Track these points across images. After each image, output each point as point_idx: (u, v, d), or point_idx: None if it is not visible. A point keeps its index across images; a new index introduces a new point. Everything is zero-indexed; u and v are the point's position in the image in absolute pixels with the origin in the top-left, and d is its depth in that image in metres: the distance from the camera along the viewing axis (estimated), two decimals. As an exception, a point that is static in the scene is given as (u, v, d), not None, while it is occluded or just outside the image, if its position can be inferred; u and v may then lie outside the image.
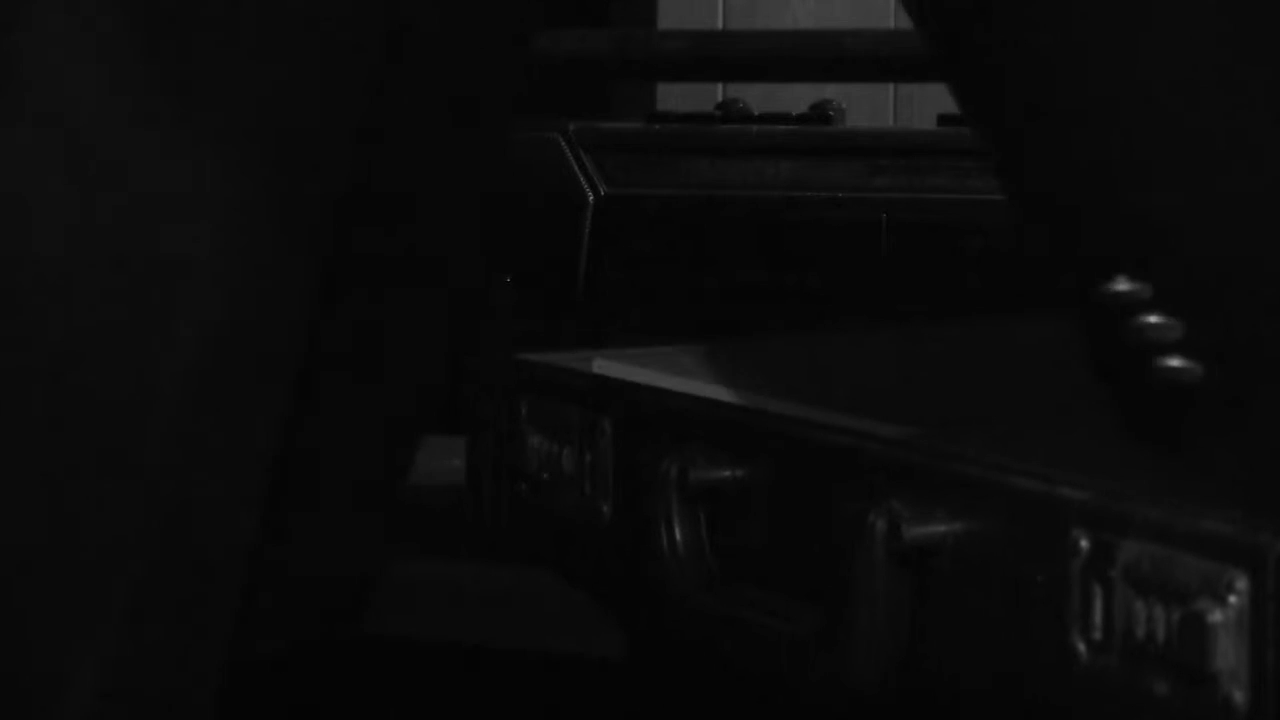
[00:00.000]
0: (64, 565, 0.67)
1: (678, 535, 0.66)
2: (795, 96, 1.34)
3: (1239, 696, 0.48)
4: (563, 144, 1.18)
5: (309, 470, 0.76)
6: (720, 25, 1.65)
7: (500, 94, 0.81)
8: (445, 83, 0.76)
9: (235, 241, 0.67)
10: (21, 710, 0.66)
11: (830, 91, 1.37)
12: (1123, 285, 0.58)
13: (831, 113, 1.20)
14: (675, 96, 1.54)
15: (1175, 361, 0.59)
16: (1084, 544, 0.52)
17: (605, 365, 0.80)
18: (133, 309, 0.67)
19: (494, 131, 0.83)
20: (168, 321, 0.67)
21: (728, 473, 0.66)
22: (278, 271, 0.69)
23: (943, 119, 1.19)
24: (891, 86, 1.58)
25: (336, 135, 0.70)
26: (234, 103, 0.67)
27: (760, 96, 1.39)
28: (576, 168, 1.17)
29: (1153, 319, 0.58)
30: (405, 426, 0.81)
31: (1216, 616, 0.48)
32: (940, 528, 0.56)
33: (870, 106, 1.56)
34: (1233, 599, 0.48)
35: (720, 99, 1.41)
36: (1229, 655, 0.48)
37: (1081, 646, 0.52)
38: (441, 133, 0.77)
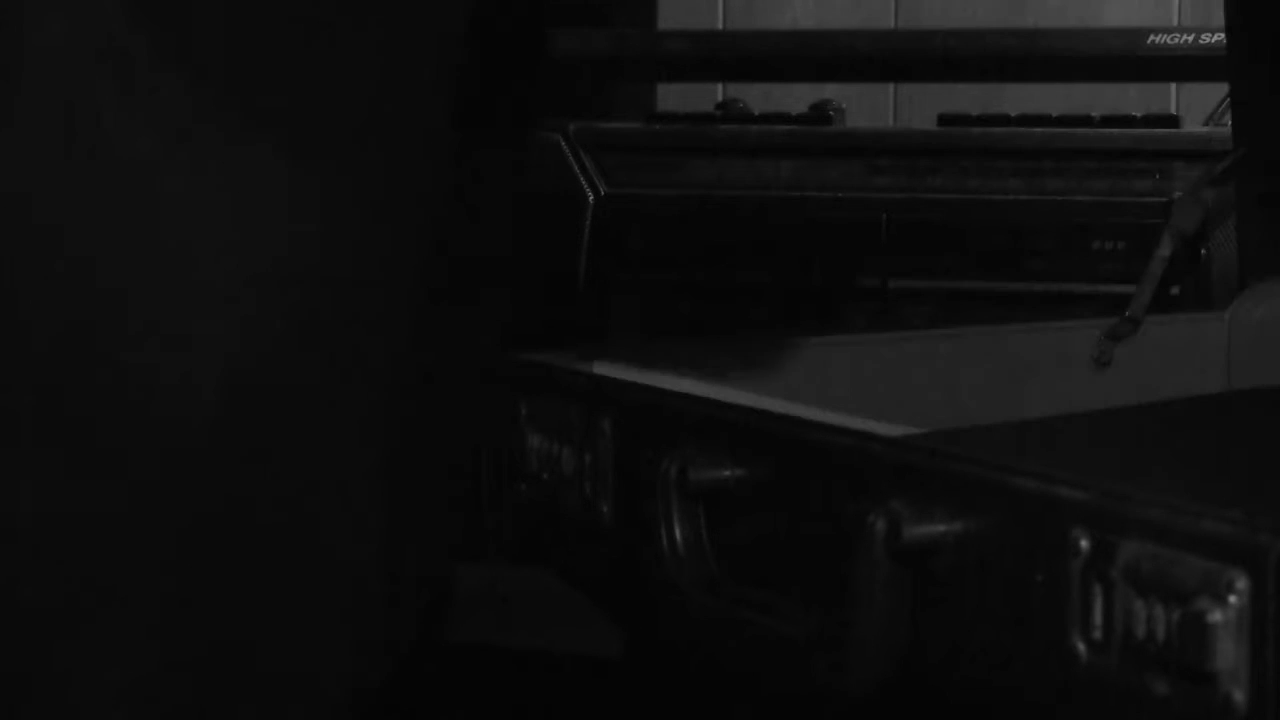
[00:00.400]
0: (89, 581, 0.67)
1: (678, 535, 0.66)
2: (795, 96, 1.34)
3: (1239, 696, 0.48)
4: (563, 144, 1.18)
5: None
6: (720, 25, 1.65)
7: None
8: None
9: (238, 241, 0.67)
10: None
11: (830, 91, 1.37)
12: None
13: (831, 113, 1.20)
14: (675, 96, 1.54)
15: None
16: (1084, 544, 0.52)
17: (605, 365, 0.80)
18: (135, 312, 0.67)
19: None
20: (178, 323, 0.67)
21: (728, 473, 0.66)
22: (286, 269, 0.69)
23: (943, 119, 1.19)
24: (891, 86, 1.58)
25: (342, 131, 0.70)
26: (237, 102, 0.67)
27: (760, 96, 1.39)
28: (576, 168, 1.17)
29: None
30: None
31: (1216, 616, 0.48)
32: (940, 528, 0.56)
33: (870, 106, 1.56)
34: (1233, 599, 0.48)
35: (720, 99, 1.41)
36: (1229, 655, 0.48)
37: (1081, 646, 0.52)
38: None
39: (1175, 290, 1.04)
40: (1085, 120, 1.15)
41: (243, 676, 0.70)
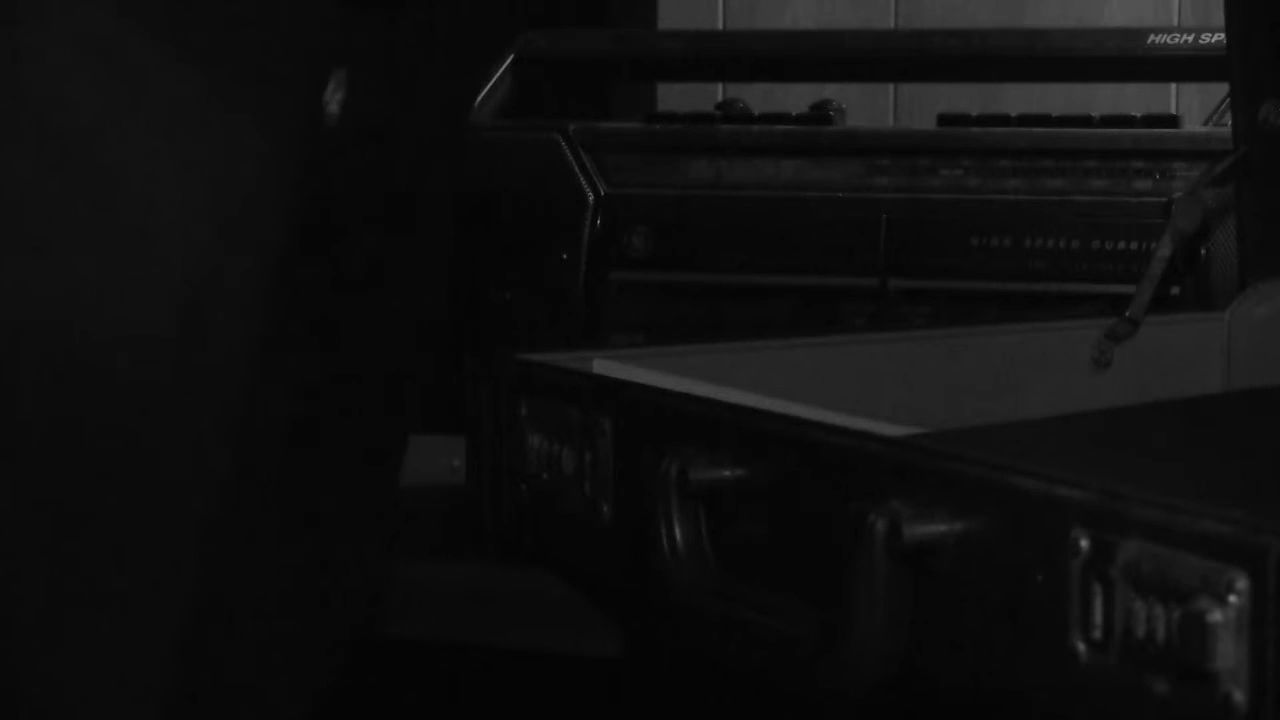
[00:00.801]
0: (79, 581, 0.67)
1: (678, 535, 0.66)
2: (795, 96, 1.34)
3: (1239, 696, 0.48)
4: (563, 144, 1.18)
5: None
6: (720, 25, 1.65)
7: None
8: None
9: (240, 243, 0.67)
10: None
11: (830, 91, 1.37)
12: None
13: (831, 113, 1.20)
14: (675, 96, 1.54)
15: None
16: (1084, 544, 0.52)
17: (605, 365, 0.80)
18: (131, 311, 0.67)
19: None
20: (175, 322, 0.67)
21: (728, 473, 0.66)
22: (281, 268, 0.69)
23: (943, 119, 1.19)
24: (891, 86, 1.58)
25: (342, 130, 0.70)
26: (236, 104, 0.67)
27: (760, 96, 1.39)
28: (576, 168, 1.17)
29: None
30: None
31: (1216, 616, 0.48)
32: (940, 528, 0.56)
33: (870, 106, 1.56)
34: (1233, 599, 0.48)
35: (720, 99, 1.41)
36: (1229, 655, 0.48)
37: (1081, 646, 0.52)
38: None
39: (1175, 290, 1.04)
40: (1085, 120, 1.15)
41: (240, 675, 0.70)
